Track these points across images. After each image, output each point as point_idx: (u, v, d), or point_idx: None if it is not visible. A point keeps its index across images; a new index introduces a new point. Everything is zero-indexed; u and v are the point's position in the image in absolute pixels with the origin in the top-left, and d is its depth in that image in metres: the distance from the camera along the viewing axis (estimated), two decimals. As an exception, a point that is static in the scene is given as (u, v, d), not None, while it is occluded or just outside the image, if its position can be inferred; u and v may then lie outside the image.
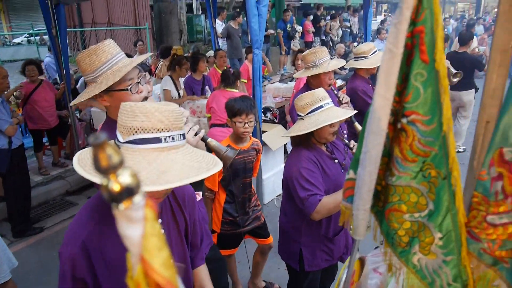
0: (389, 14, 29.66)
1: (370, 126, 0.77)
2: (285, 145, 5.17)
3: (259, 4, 4.24)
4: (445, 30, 14.40)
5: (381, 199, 0.93)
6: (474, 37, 8.20)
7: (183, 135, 1.09)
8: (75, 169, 1.01)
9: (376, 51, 4.06)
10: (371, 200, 0.84)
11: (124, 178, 0.38)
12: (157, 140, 1.01)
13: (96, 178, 0.93)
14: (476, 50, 7.30)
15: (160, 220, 1.25)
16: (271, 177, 4.73)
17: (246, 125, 2.69)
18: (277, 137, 4.71)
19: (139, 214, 0.40)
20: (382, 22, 15.89)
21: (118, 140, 1.03)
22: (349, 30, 13.40)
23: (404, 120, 0.81)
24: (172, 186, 0.94)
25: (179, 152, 1.05)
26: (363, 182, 0.80)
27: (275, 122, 5.49)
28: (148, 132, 1.00)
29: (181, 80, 5.41)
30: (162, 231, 1.24)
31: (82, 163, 1.02)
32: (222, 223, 2.89)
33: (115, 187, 0.38)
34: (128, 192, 0.39)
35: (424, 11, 0.71)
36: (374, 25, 14.16)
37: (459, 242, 0.82)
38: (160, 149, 1.01)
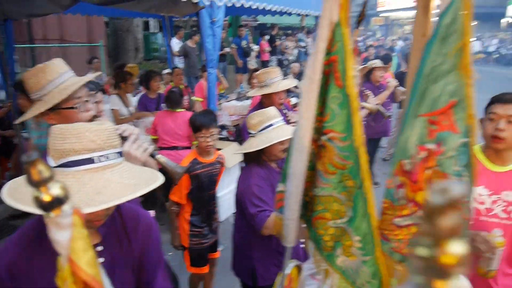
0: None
1: (295, 144, 0.87)
2: (240, 163, 5.24)
3: (213, 24, 4.36)
4: (393, 51, 15.29)
5: (309, 208, 1.02)
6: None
7: (119, 153, 1.08)
8: (2, 198, 0.97)
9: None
10: (298, 210, 0.93)
11: (53, 190, 0.44)
12: (90, 161, 0.99)
13: (20, 205, 0.90)
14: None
15: (101, 248, 1.20)
16: (227, 195, 4.77)
17: (209, 139, 2.77)
18: (232, 155, 4.77)
19: (67, 221, 0.46)
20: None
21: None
22: (304, 50, 13.87)
23: (324, 138, 0.91)
24: (108, 206, 0.93)
25: (115, 171, 1.03)
26: (291, 194, 0.89)
27: (230, 140, 5.56)
28: (79, 153, 0.98)
29: (129, 96, 5.32)
30: (102, 259, 1.20)
31: (12, 192, 0.98)
32: (190, 236, 2.92)
33: (46, 198, 0.43)
34: (58, 202, 0.44)
35: (337, 44, 0.83)
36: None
37: (374, 243, 0.93)
38: (93, 169, 0.99)
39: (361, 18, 1.23)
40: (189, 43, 8.77)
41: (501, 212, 1.91)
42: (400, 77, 6.20)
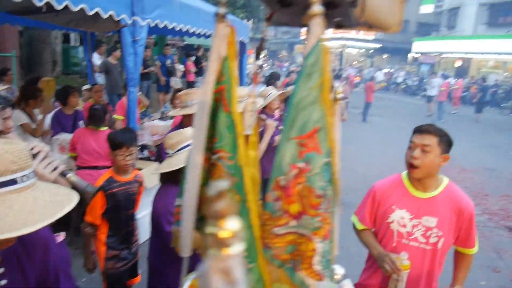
0: (268, 60, 32.35)
1: (189, 161, 0.97)
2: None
3: (135, 43, 4.36)
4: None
5: (205, 222, 1.11)
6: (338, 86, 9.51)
7: (33, 171, 1.10)
8: None
9: (247, 96, 4.46)
10: (193, 223, 1.02)
11: None
12: (13, 182, 0.99)
13: None
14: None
15: (2, 270, 1.18)
16: (147, 216, 4.66)
17: (128, 157, 2.74)
18: (152, 175, 4.72)
19: None
20: (260, 67, 17.25)
21: None
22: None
23: (214, 157, 1.03)
24: (45, 224, 0.94)
25: (36, 189, 1.05)
26: (186, 208, 0.98)
27: (151, 160, 5.49)
28: (1, 175, 0.97)
29: (37, 111, 5.02)
30: (4, 282, 1.18)
31: None
32: (105, 259, 2.80)
33: None
34: None
35: (225, 75, 0.96)
36: (253, 69, 15.30)
37: (257, 252, 1.05)
38: (17, 190, 1.00)
39: (259, 52, 1.39)
40: (111, 59, 8.56)
41: (421, 237, 2.00)
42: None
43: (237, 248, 0.45)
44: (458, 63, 26.12)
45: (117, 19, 3.97)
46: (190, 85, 11.19)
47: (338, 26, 1.61)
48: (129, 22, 4.16)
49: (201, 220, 1.09)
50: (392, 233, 2.07)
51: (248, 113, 1.31)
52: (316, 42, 0.88)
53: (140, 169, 4.58)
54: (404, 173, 2.15)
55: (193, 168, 0.93)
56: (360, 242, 2.26)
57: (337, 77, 14.90)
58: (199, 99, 0.91)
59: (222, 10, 0.86)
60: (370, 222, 2.21)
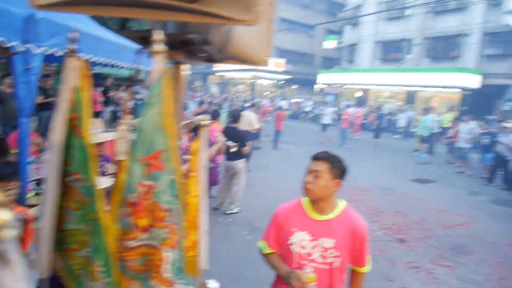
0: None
1: (46, 185, 1.04)
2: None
3: (28, 71, 4.15)
4: (224, 107, 16.79)
5: (62, 242, 1.17)
6: (250, 114, 9.96)
7: None
8: None
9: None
10: (50, 244, 1.07)
11: None
12: None
13: None
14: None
15: None
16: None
17: (8, 192, 2.56)
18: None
19: None
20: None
21: None
22: (141, 102, 13.91)
23: (69, 179, 1.10)
24: None
25: None
26: (44, 230, 1.03)
27: (49, 193, 5.15)
28: None
29: None
30: None
31: None
32: None
33: None
34: None
35: (78, 104, 1.05)
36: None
37: (112, 266, 1.13)
38: None
39: (130, 84, 1.50)
40: (4, 87, 7.92)
41: (319, 257, 2.12)
42: (227, 132, 6.87)
43: (7, 234, 0.55)
44: (358, 94, 28.72)
45: (6, 45, 3.77)
46: (98, 115, 10.75)
47: (209, 60, 1.79)
48: (21, 49, 3.97)
49: (59, 241, 1.13)
50: (293, 254, 2.18)
51: (121, 140, 1.39)
52: (158, 76, 1.02)
53: (33, 206, 4.27)
54: (304, 197, 2.27)
55: (49, 191, 0.99)
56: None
57: (251, 106, 15.46)
58: (54, 126, 0.98)
59: (72, 46, 0.96)
60: (275, 245, 2.31)
